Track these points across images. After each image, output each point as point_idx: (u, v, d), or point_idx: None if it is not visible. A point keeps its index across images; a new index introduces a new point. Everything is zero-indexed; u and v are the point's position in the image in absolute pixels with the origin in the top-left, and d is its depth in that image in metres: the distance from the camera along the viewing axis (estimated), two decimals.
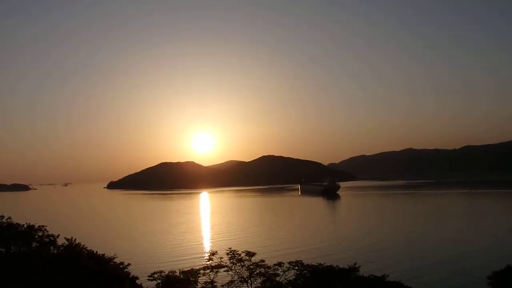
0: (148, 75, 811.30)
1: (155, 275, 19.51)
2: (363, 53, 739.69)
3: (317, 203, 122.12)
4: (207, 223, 77.04)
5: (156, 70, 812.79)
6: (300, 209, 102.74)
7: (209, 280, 19.38)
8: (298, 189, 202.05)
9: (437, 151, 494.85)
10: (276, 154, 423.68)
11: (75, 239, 21.31)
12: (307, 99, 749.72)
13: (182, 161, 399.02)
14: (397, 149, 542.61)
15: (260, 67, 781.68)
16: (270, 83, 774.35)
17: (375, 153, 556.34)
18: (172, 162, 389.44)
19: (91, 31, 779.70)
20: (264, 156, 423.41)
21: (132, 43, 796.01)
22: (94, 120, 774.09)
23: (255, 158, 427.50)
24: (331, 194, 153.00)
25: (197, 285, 19.42)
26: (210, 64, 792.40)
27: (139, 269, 29.01)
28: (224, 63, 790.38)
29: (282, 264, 19.30)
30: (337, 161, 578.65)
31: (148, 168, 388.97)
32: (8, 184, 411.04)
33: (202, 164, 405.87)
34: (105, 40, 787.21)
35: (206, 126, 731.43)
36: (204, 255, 40.36)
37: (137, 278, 20.51)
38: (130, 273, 20.23)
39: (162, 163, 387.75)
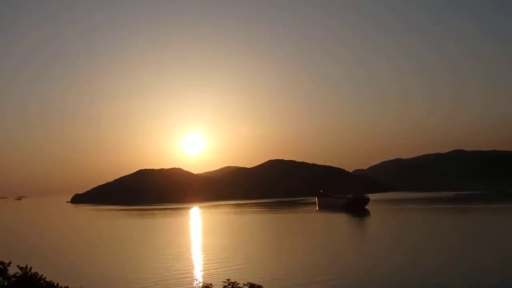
0: (121, 65, 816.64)
1: None
2: (400, 35, 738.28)
3: (340, 222, 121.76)
4: (199, 247, 77.20)
5: (137, 62, 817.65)
6: (318, 229, 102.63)
7: None
8: (315, 202, 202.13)
9: (494, 153, 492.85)
10: (286, 158, 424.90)
11: (30, 268, 21.38)
12: (326, 92, 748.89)
13: (166, 167, 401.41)
14: (443, 150, 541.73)
15: (263, 58, 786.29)
16: (275, 75, 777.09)
17: (415, 156, 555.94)
18: (153, 169, 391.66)
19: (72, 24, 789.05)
20: (271, 160, 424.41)
21: (113, 36, 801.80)
22: (54, 119, 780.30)
23: (259, 164, 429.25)
24: (357, 210, 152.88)
25: None
26: (202, 57, 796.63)
27: None
28: (220, 53, 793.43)
29: None
30: (365, 167, 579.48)
31: (122, 177, 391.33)
32: None
33: (192, 171, 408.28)
34: (79, 31, 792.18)
35: (196, 125, 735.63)
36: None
37: None
38: None
39: (141, 170, 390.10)
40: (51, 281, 21.90)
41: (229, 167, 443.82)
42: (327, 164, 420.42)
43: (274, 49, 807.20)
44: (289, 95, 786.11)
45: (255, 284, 22.06)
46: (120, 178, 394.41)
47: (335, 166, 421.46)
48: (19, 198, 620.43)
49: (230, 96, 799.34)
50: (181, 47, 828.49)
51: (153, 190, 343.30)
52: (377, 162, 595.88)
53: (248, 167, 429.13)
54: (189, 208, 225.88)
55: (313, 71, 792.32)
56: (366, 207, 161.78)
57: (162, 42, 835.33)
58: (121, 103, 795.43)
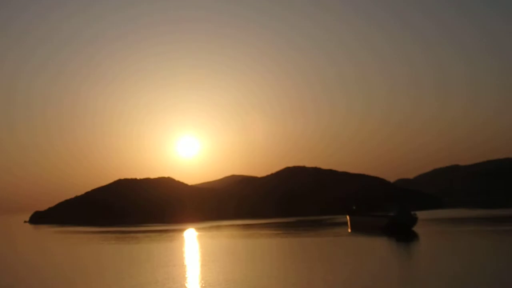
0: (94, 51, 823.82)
1: None
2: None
3: (379, 249, 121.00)
4: (197, 282, 76.95)
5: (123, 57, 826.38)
6: (351, 259, 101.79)
7: None
8: (346, 222, 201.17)
9: None
10: (308, 165, 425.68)
11: None
12: (368, 84, 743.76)
13: (152, 176, 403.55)
14: None
15: (276, 42, 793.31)
16: (288, 66, 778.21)
17: (477, 161, 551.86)
18: (135, 179, 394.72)
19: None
20: (289, 168, 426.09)
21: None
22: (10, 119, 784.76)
23: (273, 172, 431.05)
24: (402, 232, 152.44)
25: None
26: (202, 50, 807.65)
27: None
28: (222, 46, 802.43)
29: None
30: (411, 176, 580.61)
31: (95, 190, 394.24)
32: None
33: (186, 182, 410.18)
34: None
35: (192, 125, 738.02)
36: None
37: None
38: None
39: (119, 180, 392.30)
40: None
41: (233, 176, 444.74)
42: (361, 173, 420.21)
43: (279, 42, 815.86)
44: (314, 87, 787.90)
45: None
46: (93, 191, 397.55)
47: (372, 174, 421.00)
48: None
49: (233, 89, 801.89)
50: (179, 40, 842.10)
51: (136, 207, 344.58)
52: (427, 169, 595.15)
53: (259, 177, 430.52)
54: (182, 230, 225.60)
55: (344, 65, 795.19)
56: (413, 229, 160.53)
57: (157, 35, 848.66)
58: (95, 98, 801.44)
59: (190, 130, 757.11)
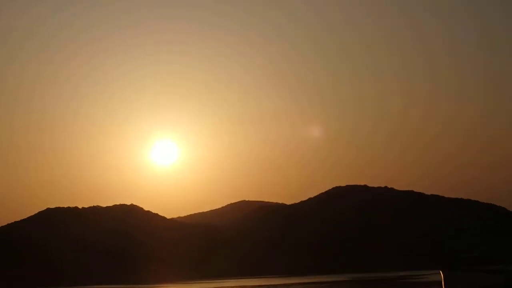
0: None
1: None
2: None
3: None
4: None
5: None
6: None
7: None
8: (439, 282, 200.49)
9: None
10: (371, 184, 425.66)
11: None
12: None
13: (104, 204, 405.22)
14: None
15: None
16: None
17: None
18: (76, 209, 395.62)
19: None
20: (339, 187, 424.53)
21: None
22: None
23: (312, 196, 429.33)
24: None
25: None
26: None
27: None
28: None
29: None
30: None
31: (8, 226, 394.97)
32: None
33: (161, 214, 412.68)
34: None
35: (169, 124, 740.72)
36: None
37: None
38: None
39: (48, 210, 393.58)
40: None
41: (244, 203, 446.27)
42: (463, 197, 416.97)
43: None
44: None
45: None
46: (3, 228, 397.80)
47: (483, 201, 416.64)
48: None
49: (246, 60, 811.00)
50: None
51: (77, 256, 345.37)
52: None
53: (288, 204, 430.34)
54: None
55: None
56: None
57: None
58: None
59: (167, 131, 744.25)
